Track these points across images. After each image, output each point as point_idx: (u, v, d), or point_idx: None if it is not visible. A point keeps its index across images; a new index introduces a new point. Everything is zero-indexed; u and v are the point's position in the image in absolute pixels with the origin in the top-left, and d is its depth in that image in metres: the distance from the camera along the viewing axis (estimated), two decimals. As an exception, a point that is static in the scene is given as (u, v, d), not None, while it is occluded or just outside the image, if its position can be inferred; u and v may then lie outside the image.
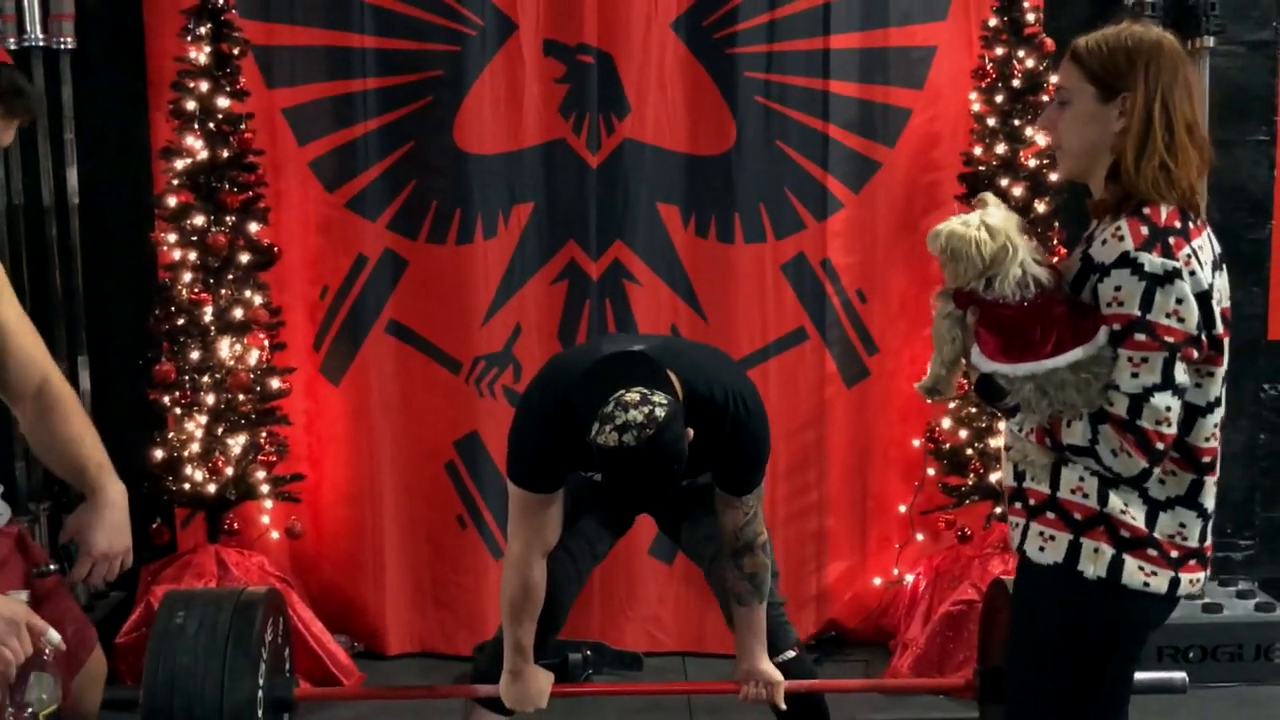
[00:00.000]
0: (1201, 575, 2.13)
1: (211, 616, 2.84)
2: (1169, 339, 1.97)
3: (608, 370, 2.48)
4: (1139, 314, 1.97)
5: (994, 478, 3.97)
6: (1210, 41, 4.07)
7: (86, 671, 2.42)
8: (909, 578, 4.21)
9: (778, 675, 2.89)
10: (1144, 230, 1.99)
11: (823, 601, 4.29)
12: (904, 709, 3.70)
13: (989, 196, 2.17)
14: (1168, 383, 1.98)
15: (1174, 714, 3.73)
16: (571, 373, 2.57)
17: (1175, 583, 2.08)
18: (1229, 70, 4.20)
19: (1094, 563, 2.06)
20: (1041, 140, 3.94)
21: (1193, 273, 1.99)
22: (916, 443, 4.20)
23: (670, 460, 2.40)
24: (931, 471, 4.13)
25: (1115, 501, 2.06)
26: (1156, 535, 2.07)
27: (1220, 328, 2.05)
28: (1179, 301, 1.97)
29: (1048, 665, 2.17)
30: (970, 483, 4.03)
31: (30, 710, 2.08)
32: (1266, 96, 4.24)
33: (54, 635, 2.09)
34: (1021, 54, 3.95)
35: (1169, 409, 1.99)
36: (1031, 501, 2.14)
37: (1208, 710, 3.80)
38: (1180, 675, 3.04)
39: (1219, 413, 2.09)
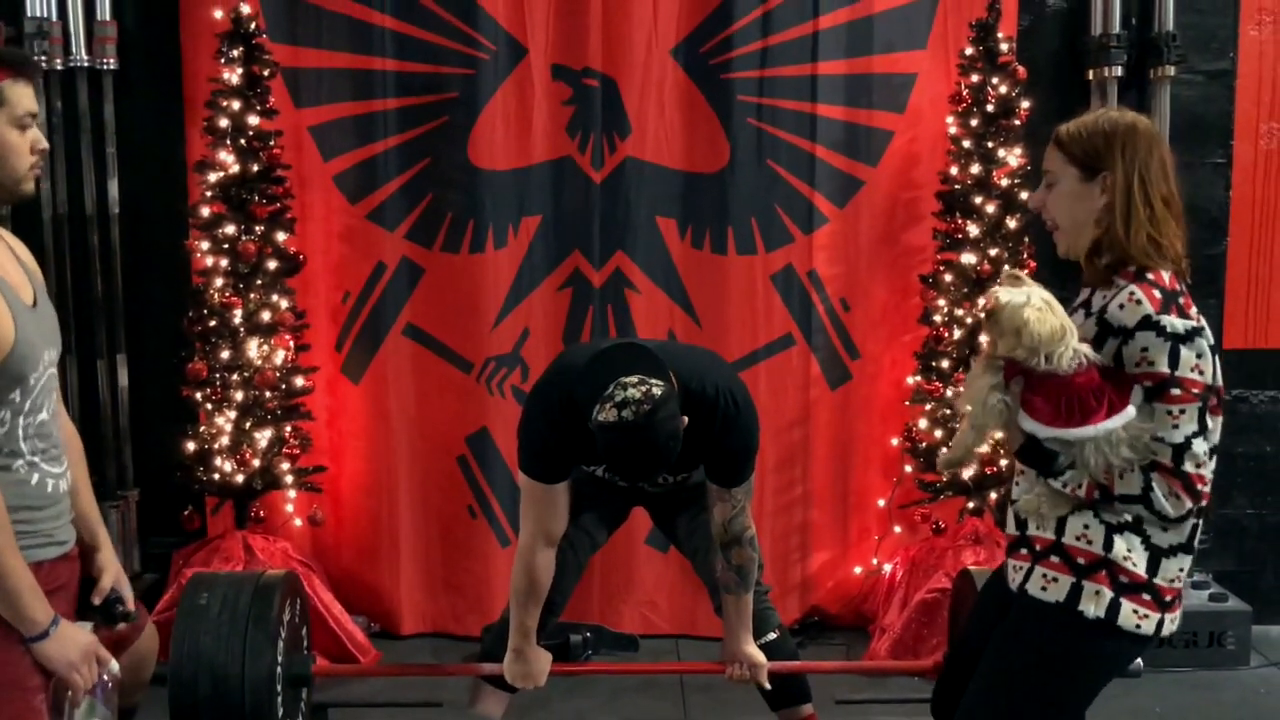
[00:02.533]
0: (1179, 614, 2.16)
1: (233, 598, 2.82)
2: (1196, 390, 2.01)
3: (609, 360, 2.47)
4: (1169, 371, 2.01)
5: (966, 475, 3.94)
6: (1171, 70, 4.05)
7: (138, 648, 2.41)
8: (887, 567, 4.19)
9: (761, 658, 2.88)
10: (1157, 294, 2.03)
11: (807, 589, 4.26)
12: (881, 689, 3.68)
13: (1016, 272, 2.15)
14: (1202, 429, 2.03)
15: (1133, 696, 3.71)
16: (575, 369, 2.55)
17: (1161, 624, 2.11)
18: (1189, 97, 4.18)
19: (1094, 604, 2.08)
20: (1013, 161, 3.93)
21: (1203, 328, 2.05)
22: (895, 442, 4.18)
23: (666, 438, 2.38)
24: (909, 469, 4.10)
25: (1119, 548, 2.08)
26: (1157, 581, 2.09)
27: (1220, 380, 2.09)
28: (1199, 356, 2.02)
29: (1019, 684, 2.18)
30: (944, 479, 4.00)
31: None
32: (1223, 122, 4.21)
33: (114, 666, 2.13)
34: (995, 81, 3.92)
35: (1205, 452, 2.04)
36: (1037, 547, 2.15)
37: (1164, 693, 3.78)
38: (1136, 662, 3.00)
39: (1215, 458, 2.11)
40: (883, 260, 4.17)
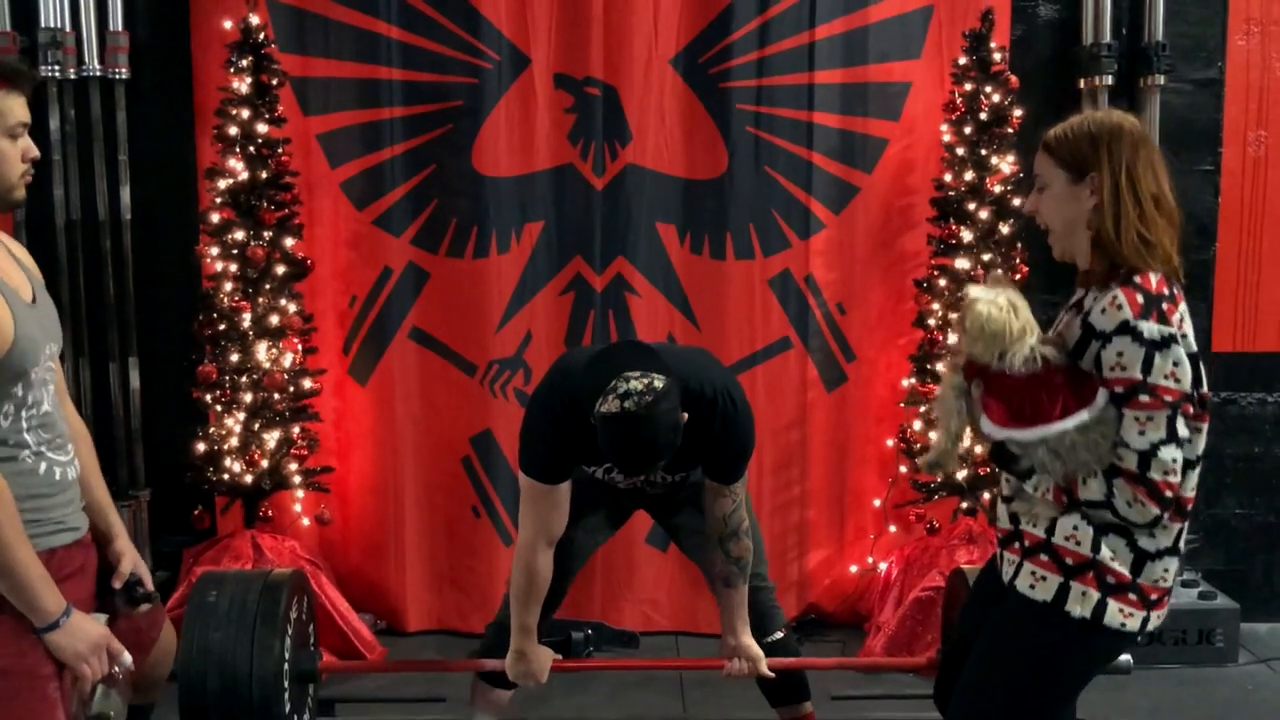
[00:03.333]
0: (1165, 611, 2.15)
1: (241, 595, 2.82)
2: (1168, 398, 1.98)
3: (612, 357, 2.49)
4: (1140, 377, 1.98)
5: (960, 476, 3.94)
6: (1161, 79, 4.05)
7: (158, 645, 2.42)
8: (882, 566, 4.18)
9: (758, 652, 2.87)
10: (1139, 299, 2.00)
11: (804, 587, 4.26)
12: (876, 686, 3.68)
13: (1000, 274, 2.16)
14: (1172, 437, 2.00)
15: (1123, 692, 3.71)
16: (576, 370, 2.55)
17: (1146, 621, 2.10)
18: (1178, 105, 4.17)
19: (1081, 605, 2.08)
20: (1006, 168, 3.93)
21: (1185, 335, 2.02)
22: (890, 443, 4.17)
23: (667, 430, 2.38)
24: (904, 469, 4.10)
25: (1106, 550, 2.07)
26: (1140, 582, 2.08)
27: (1205, 387, 2.07)
28: (1175, 364, 1.99)
29: (1008, 678, 2.18)
30: (939, 480, 3.99)
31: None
32: (1212, 130, 4.21)
33: (126, 658, 2.12)
34: (989, 90, 3.92)
35: (1174, 460, 2.00)
36: (1027, 544, 2.15)
37: (1153, 689, 3.78)
38: (1126, 658, 3.00)
39: (1199, 466, 2.10)
40: (878, 265, 4.17)
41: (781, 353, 4.19)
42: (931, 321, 3.99)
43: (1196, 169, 4.22)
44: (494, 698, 3.00)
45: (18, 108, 2.07)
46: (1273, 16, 4.16)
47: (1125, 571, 2.07)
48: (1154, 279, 2.03)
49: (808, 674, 3.08)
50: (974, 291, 2.07)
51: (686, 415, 2.46)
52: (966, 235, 3.91)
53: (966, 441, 2.21)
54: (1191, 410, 2.03)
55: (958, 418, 2.12)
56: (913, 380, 4.06)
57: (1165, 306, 2.01)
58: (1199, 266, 4.24)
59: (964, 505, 3.99)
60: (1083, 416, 2.00)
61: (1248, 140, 4.21)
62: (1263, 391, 4.32)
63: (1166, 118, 4.11)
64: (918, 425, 4.02)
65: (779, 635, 2.97)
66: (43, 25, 3.94)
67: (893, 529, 4.19)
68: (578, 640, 3.92)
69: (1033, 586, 2.12)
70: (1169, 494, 2.00)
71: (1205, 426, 2.09)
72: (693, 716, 3.59)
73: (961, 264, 3.90)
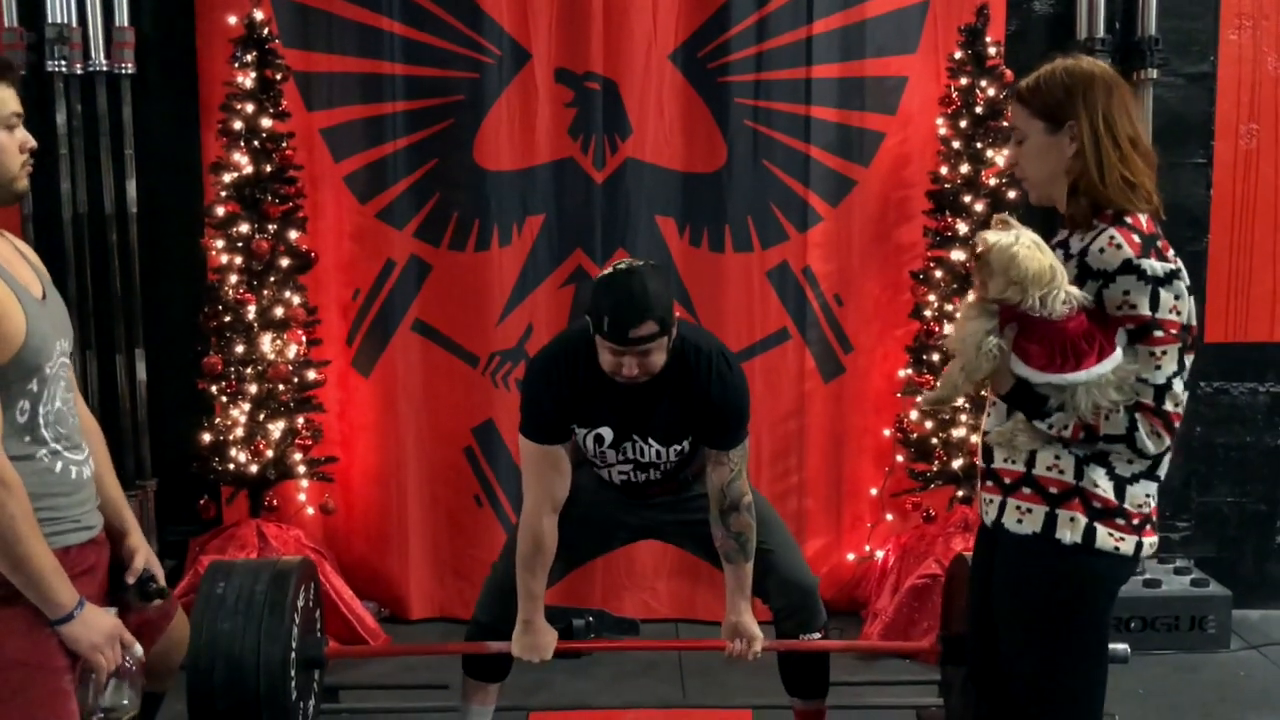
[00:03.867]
0: (1156, 539, 2.15)
1: (249, 585, 2.81)
2: (1174, 330, 2.01)
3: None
4: (1150, 314, 2.00)
5: (956, 464, 3.94)
6: (1154, 73, 4.05)
7: (169, 635, 2.42)
8: (879, 554, 4.18)
9: (757, 631, 2.86)
10: (1136, 238, 2.02)
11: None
12: (874, 671, 3.68)
13: (1011, 219, 2.09)
14: (1181, 368, 2.03)
15: (1118, 678, 3.70)
16: (571, 331, 2.69)
17: (1139, 546, 2.10)
18: (1170, 99, 4.17)
19: (1070, 530, 2.07)
20: (1001, 161, 3.92)
21: (1181, 270, 2.03)
22: (887, 432, 4.17)
23: (657, 284, 2.51)
24: (900, 458, 4.10)
25: (1089, 477, 2.07)
26: (1126, 506, 2.08)
27: (1195, 320, 2.08)
28: (1177, 298, 2.01)
29: (1034, 624, 2.15)
30: (935, 469, 4.00)
31: (114, 714, 2.11)
32: (1204, 123, 4.20)
33: (138, 649, 2.12)
34: (984, 84, 3.92)
35: (1184, 391, 2.04)
36: (1006, 480, 2.14)
37: (1147, 675, 3.78)
38: (1123, 647, 3.00)
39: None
40: (875, 257, 4.17)
41: (779, 344, 4.18)
42: (928, 313, 3.99)
43: (1189, 162, 4.22)
44: (483, 692, 3.01)
45: (9, 99, 2.06)
46: (1264, 11, 4.15)
47: (1110, 496, 2.07)
48: (1143, 219, 2.05)
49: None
50: (991, 236, 2.02)
51: (681, 352, 2.58)
52: (962, 227, 3.91)
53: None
54: (1190, 342, 2.05)
55: (990, 360, 2.04)
56: (909, 371, 4.06)
57: (1160, 244, 2.02)
58: (1191, 258, 4.19)
59: (960, 493, 3.99)
60: (1118, 356, 2.00)
61: (1239, 133, 4.21)
62: (1254, 381, 4.32)
63: (1159, 111, 4.11)
64: (914, 415, 4.02)
65: (817, 636, 2.95)
66: (50, 21, 3.93)
67: (889, 517, 4.19)
68: (579, 627, 3.95)
69: (1020, 521, 2.11)
70: (1178, 424, 2.04)
71: (1192, 359, 2.09)
72: (693, 702, 3.59)
73: (957, 256, 3.90)
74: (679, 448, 2.78)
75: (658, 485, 2.86)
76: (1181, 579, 4.10)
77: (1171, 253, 2.04)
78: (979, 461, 2.22)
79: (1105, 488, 2.07)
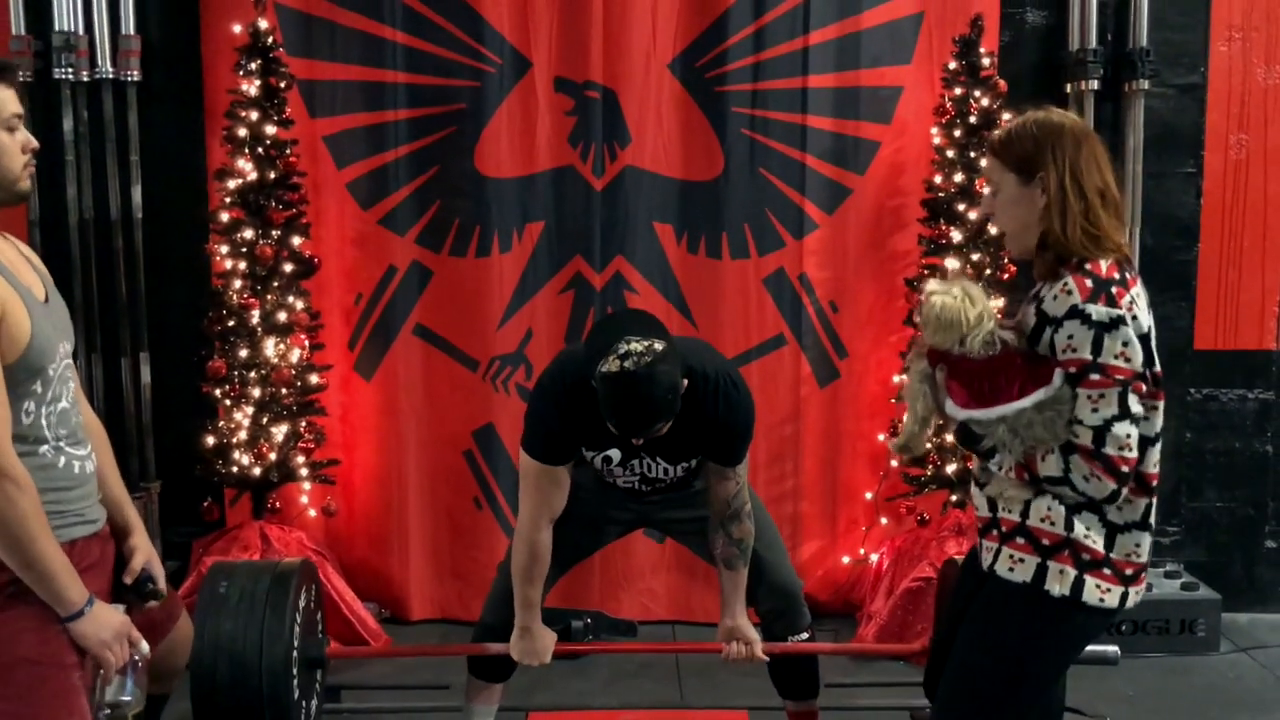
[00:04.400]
0: (1144, 588, 2.15)
1: (250, 586, 2.81)
2: (1119, 376, 2.00)
3: (614, 322, 2.53)
4: (1091, 357, 2.00)
5: (950, 469, 3.94)
6: (1145, 84, 4.05)
7: (174, 636, 2.42)
8: (874, 557, 4.18)
9: (754, 635, 2.87)
10: (1088, 284, 2.02)
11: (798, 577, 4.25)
12: (868, 673, 3.68)
13: (953, 266, 2.20)
14: (1124, 413, 2.01)
15: (1108, 680, 3.72)
16: (579, 355, 2.55)
17: (1124, 597, 2.11)
18: (1161, 110, 4.18)
19: (1059, 583, 2.08)
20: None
21: (1134, 317, 2.02)
22: (881, 437, 4.17)
23: (666, 389, 2.38)
24: (894, 463, 4.09)
25: (1079, 528, 2.07)
26: (1113, 556, 2.08)
27: (1158, 366, 2.08)
28: (1125, 344, 2.00)
29: (1001, 666, 2.17)
30: (929, 473, 4.00)
31: (119, 711, 2.11)
32: (1194, 133, 4.21)
33: (144, 647, 2.12)
34: (978, 94, 3.92)
35: (1129, 435, 2.01)
36: (1004, 529, 2.15)
37: (1138, 677, 3.78)
38: (1113, 649, 3.02)
39: (1160, 443, 2.11)
40: (870, 264, 4.17)
41: (776, 349, 4.19)
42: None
43: (1179, 171, 4.23)
44: (487, 692, 3.00)
45: (9, 100, 2.05)
46: (1253, 24, 4.16)
47: (1099, 548, 2.07)
48: (1104, 265, 2.05)
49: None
50: (930, 285, 2.13)
51: (687, 383, 2.48)
52: (956, 235, 3.91)
53: (932, 425, 2.24)
54: (1144, 388, 2.04)
55: (923, 401, 2.17)
56: (903, 376, 4.06)
57: (1115, 290, 2.02)
58: (1181, 266, 4.24)
59: (953, 498, 4.00)
60: (1039, 395, 2.02)
61: (1229, 144, 4.21)
62: (1243, 388, 4.32)
63: (1150, 121, 4.12)
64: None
65: (805, 637, 2.96)
66: (57, 29, 3.94)
67: (884, 521, 4.19)
68: (577, 629, 3.95)
69: (1011, 569, 2.12)
70: (1125, 469, 2.01)
71: (1161, 404, 2.10)
72: (690, 703, 3.59)
73: (951, 263, 3.91)
74: (686, 464, 2.78)
75: (662, 491, 2.86)
76: (1172, 583, 4.11)
77: (1126, 299, 2.01)
78: (981, 512, 2.22)
79: (1095, 538, 2.07)
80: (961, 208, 3.91)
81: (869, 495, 4.21)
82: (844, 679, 3.56)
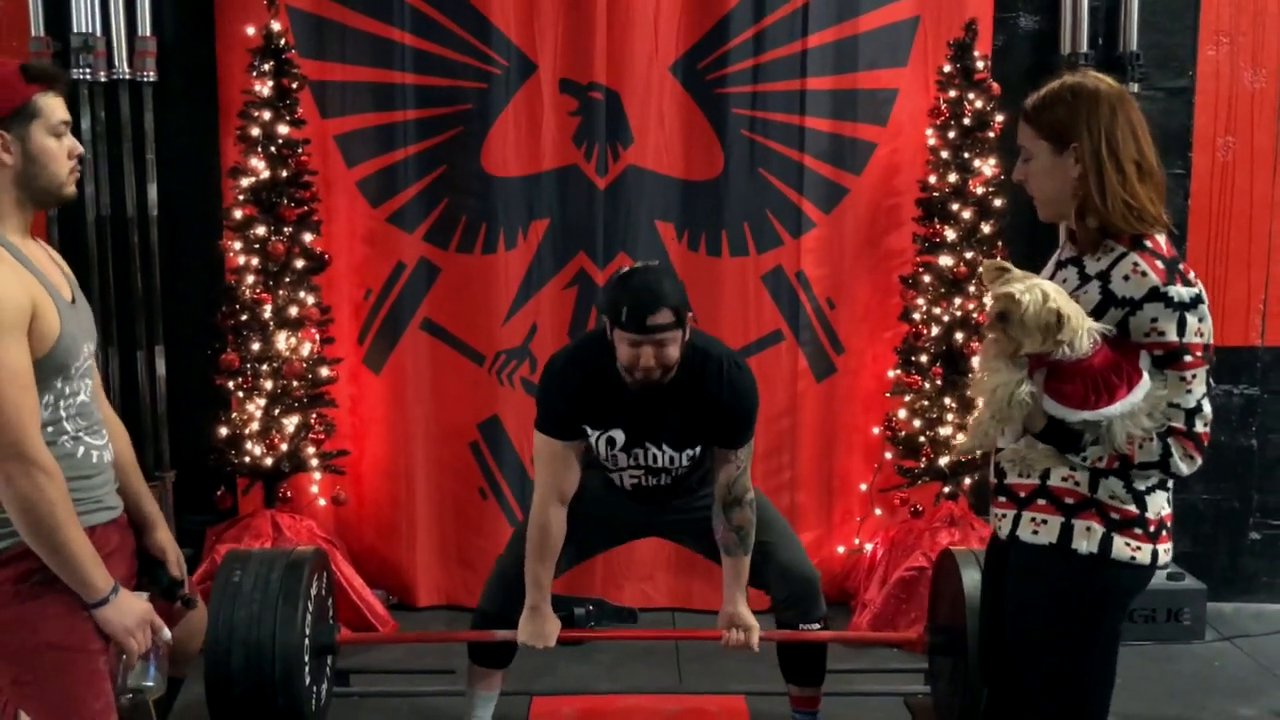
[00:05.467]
0: (1171, 545, 2.10)
1: (265, 574, 2.82)
2: (1200, 353, 1.96)
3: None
4: (1178, 339, 1.94)
5: (943, 461, 3.94)
6: (1135, 87, 4.04)
7: (188, 623, 2.43)
8: (868, 547, 4.19)
9: (753, 621, 2.87)
10: (1160, 265, 1.95)
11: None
12: (863, 660, 3.68)
13: (1006, 263, 2.04)
14: (1208, 390, 1.98)
15: (1095, 667, 3.71)
16: (588, 335, 2.72)
17: (1154, 554, 2.05)
18: (1151, 112, 4.09)
19: (1087, 540, 2.01)
20: (988, 171, 3.92)
21: (1202, 292, 1.97)
22: (876, 430, 4.18)
23: (671, 279, 2.59)
24: (889, 455, 4.10)
25: (1105, 489, 2.01)
26: (1148, 515, 2.03)
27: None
28: (1201, 320, 1.96)
29: (1050, 629, 2.09)
30: (922, 466, 4.01)
31: (140, 696, 2.13)
32: (1183, 135, 4.20)
33: (167, 633, 2.14)
34: (971, 96, 3.92)
35: (1210, 410, 1.99)
36: (1021, 494, 2.08)
37: (1126, 664, 3.71)
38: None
39: None
40: (866, 262, 4.17)
41: (774, 344, 4.19)
42: (916, 316, 3.99)
43: (1168, 172, 4.10)
44: (488, 678, 3.01)
45: (59, 107, 2.07)
46: (1240, 29, 4.16)
47: (1130, 508, 2.01)
48: (1162, 242, 1.98)
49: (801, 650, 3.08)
50: (1026, 295, 1.92)
51: (693, 361, 2.59)
52: (950, 234, 3.91)
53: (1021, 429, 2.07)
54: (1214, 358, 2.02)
55: (1020, 409, 1.99)
56: (898, 371, 4.07)
57: (1182, 267, 1.96)
58: (1169, 265, 4.24)
59: (945, 490, 4.00)
60: (1146, 383, 1.94)
61: (1216, 146, 4.21)
62: (1229, 383, 4.32)
63: (1140, 124, 4.11)
64: (902, 414, 4.03)
65: (816, 627, 2.96)
66: (75, 31, 3.94)
67: (878, 512, 4.19)
68: (579, 616, 3.96)
69: (1035, 532, 2.04)
70: (1207, 443, 1.99)
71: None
72: (689, 688, 3.59)
73: (945, 261, 3.91)
74: (690, 452, 2.78)
75: (666, 491, 2.86)
76: (1159, 573, 4.09)
77: (1193, 274, 1.97)
78: (991, 477, 2.16)
79: (1123, 497, 2.01)
80: (955, 207, 3.91)
81: (864, 487, 4.21)
82: (840, 665, 3.56)
